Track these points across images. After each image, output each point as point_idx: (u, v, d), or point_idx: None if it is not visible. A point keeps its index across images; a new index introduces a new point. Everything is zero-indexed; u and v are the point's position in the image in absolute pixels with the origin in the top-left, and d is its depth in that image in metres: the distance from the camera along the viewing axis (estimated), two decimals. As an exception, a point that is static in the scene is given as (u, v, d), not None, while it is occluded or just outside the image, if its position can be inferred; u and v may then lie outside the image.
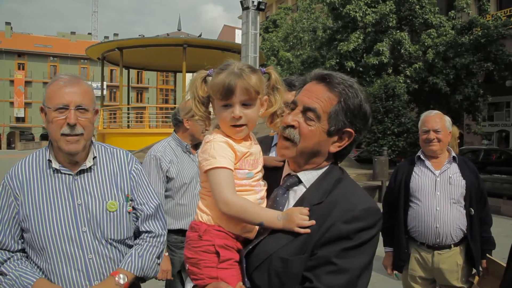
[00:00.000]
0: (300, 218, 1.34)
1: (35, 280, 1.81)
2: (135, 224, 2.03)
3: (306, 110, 1.43)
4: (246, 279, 1.38)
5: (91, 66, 66.78)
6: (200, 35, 39.91)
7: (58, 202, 1.86)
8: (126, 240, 1.97)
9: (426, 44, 18.92)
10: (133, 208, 2.01)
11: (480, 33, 18.79)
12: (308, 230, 1.33)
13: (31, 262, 1.90)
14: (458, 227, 3.09)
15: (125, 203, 1.96)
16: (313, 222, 1.34)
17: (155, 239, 2.06)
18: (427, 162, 3.24)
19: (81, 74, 70.54)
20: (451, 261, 3.13)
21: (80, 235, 1.84)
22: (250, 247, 1.41)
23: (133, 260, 1.93)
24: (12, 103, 67.53)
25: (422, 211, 3.15)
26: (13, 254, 1.89)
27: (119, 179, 1.99)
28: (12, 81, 67.45)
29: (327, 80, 1.45)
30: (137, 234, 2.06)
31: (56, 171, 1.89)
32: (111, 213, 1.91)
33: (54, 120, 1.82)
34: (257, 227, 1.44)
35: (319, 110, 1.41)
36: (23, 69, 68.59)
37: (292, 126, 1.44)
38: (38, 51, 68.52)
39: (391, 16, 18.70)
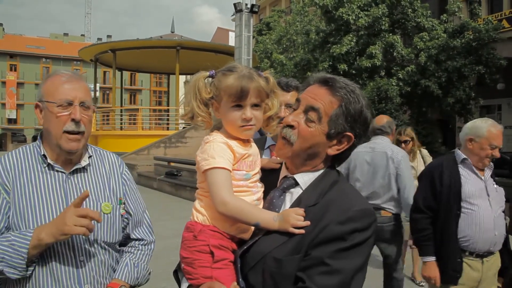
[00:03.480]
0: (295, 219, 1.35)
1: (30, 235, 1.65)
2: (123, 228, 1.99)
3: (308, 109, 1.44)
4: (240, 279, 1.39)
5: (84, 67, 66.31)
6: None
7: (51, 199, 1.78)
8: (115, 244, 1.94)
9: (418, 47, 19.02)
10: (126, 211, 1.97)
11: (471, 37, 18.90)
12: (302, 231, 1.34)
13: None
14: (504, 233, 3.08)
15: (118, 205, 1.93)
16: (308, 222, 1.34)
17: (146, 247, 2.04)
18: (473, 167, 3.03)
19: (74, 76, 70.04)
20: (496, 266, 3.11)
21: (73, 235, 1.74)
22: (245, 247, 1.42)
23: (129, 270, 1.90)
24: (4, 105, 67.01)
25: (480, 218, 2.95)
26: None
27: (112, 181, 1.95)
28: (4, 83, 66.95)
29: (330, 83, 1.46)
30: (125, 240, 2.01)
31: (50, 167, 1.82)
32: (105, 215, 1.86)
33: (58, 115, 1.75)
34: (252, 228, 1.45)
35: (322, 111, 1.43)
36: (15, 70, 68.09)
37: (291, 126, 1.45)
38: (30, 52, 68.08)
39: (383, 19, 18.77)
